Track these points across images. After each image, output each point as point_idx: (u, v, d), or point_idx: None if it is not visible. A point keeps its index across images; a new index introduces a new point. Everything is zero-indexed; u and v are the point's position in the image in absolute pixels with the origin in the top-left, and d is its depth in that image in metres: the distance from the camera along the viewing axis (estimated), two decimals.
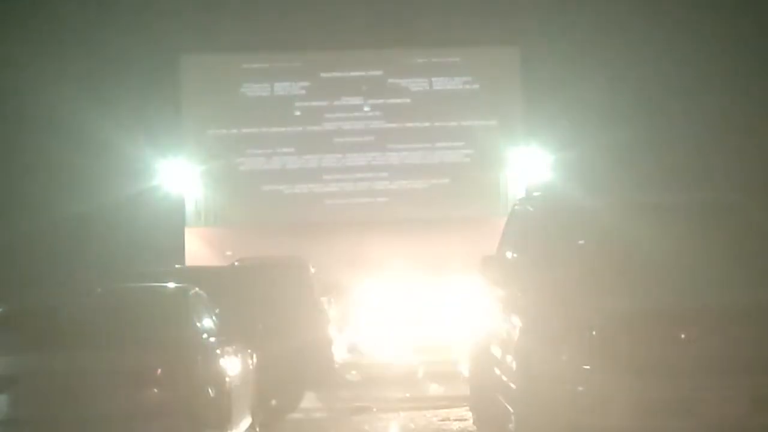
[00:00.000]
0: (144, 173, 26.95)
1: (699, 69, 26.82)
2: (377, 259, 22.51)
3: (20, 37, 26.96)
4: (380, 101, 27.46)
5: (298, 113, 27.27)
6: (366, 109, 27.47)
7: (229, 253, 23.58)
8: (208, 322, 9.72)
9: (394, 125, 27.35)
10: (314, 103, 27.38)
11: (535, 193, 19.11)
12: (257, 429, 10.59)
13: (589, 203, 9.65)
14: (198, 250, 26.46)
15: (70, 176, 27.09)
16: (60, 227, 26.67)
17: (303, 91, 27.44)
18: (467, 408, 11.59)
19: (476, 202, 26.84)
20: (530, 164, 26.91)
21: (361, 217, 26.83)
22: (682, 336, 7.78)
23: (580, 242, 9.03)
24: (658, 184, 23.68)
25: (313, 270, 17.45)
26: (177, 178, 26.94)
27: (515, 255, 9.66)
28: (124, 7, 27.25)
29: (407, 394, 14.08)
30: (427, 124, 27.46)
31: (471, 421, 11.25)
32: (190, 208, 27.12)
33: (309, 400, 14.25)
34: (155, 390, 8.33)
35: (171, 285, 10.57)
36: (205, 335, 9.42)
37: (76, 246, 26.80)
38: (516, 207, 10.60)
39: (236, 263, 17.80)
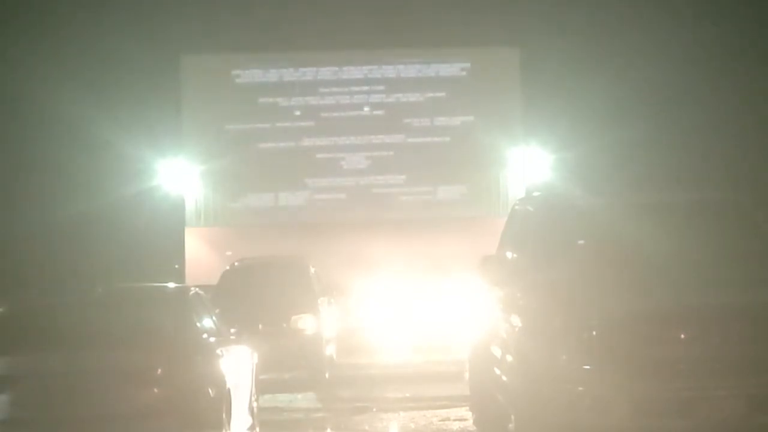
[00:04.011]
0: (144, 173, 26.96)
1: (699, 69, 26.85)
2: (377, 259, 22.51)
3: (21, 37, 27.01)
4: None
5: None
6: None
7: (229, 253, 23.56)
8: (208, 322, 9.72)
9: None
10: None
11: (535, 193, 19.08)
12: (257, 429, 10.59)
13: (589, 203, 9.64)
14: (198, 250, 26.45)
15: (70, 176, 27.13)
16: (60, 227, 26.69)
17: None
18: (467, 408, 11.59)
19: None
20: (530, 164, 26.90)
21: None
22: (682, 336, 7.78)
23: (580, 242, 9.02)
24: (658, 184, 23.68)
25: (313, 270, 17.46)
26: (177, 178, 26.94)
27: (515, 255, 9.66)
28: (124, 8, 27.30)
29: (407, 394, 14.06)
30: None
31: (471, 421, 11.24)
32: (190, 208, 27.10)
33: (309, 400, 14.25)
34: (155, 390, 8.31)
35: (171, 285, 10.50)
36: (205, 335, 9.42)
37: (76, 246, 26.82)
38: (516, 207, 10.60)
39: (236, 263, 17.82)
